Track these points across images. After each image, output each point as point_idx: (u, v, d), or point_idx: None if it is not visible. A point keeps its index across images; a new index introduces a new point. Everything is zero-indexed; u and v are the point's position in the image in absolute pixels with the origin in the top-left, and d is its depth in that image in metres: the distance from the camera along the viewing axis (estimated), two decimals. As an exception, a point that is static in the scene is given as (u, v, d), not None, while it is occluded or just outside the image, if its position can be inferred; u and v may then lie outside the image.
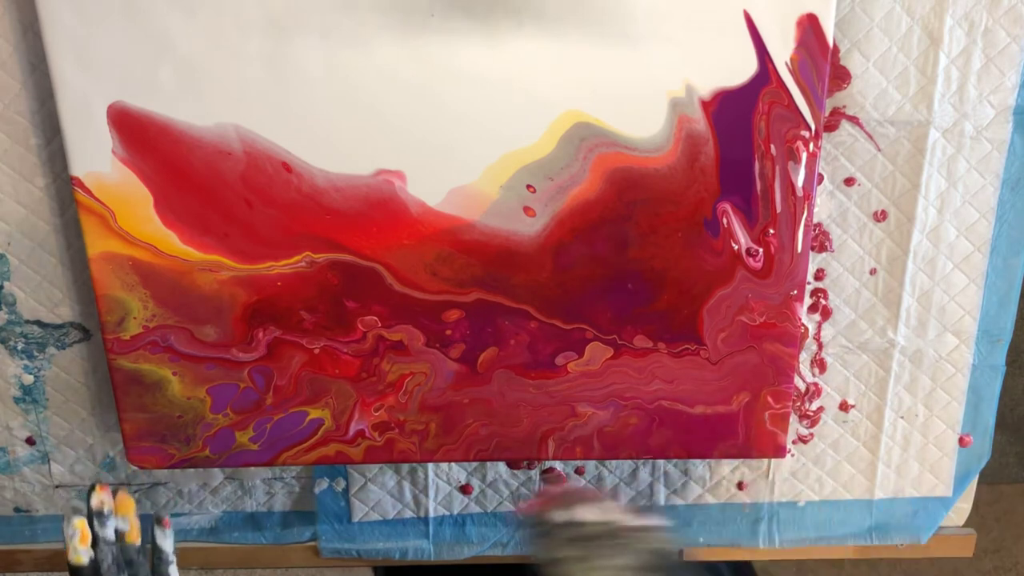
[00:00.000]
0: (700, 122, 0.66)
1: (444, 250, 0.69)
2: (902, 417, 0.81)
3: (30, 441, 0.79)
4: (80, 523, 0.60)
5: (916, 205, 0.74)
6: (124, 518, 0.62)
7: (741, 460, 0.82)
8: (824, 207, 0.74)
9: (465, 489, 0.83)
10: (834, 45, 0.68)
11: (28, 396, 0.78)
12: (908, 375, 0.80)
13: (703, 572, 0.89)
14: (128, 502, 0.63)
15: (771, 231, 0.70)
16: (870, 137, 0.71)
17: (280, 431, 0.75)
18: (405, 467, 0.82)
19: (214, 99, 0.64)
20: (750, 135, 0.67)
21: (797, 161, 0.68)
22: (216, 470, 0.81)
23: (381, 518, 0.84)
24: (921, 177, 0.73)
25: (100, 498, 0.62)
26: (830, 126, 0.71)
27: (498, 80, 0.65)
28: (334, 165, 0.66)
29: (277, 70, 0.64)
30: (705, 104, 0.66)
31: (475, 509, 0.84)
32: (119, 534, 0.62)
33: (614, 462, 0.82)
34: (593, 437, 0.77)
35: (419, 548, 0.85)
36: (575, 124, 0.66)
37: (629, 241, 0.69)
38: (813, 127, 0.67)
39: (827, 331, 0.78)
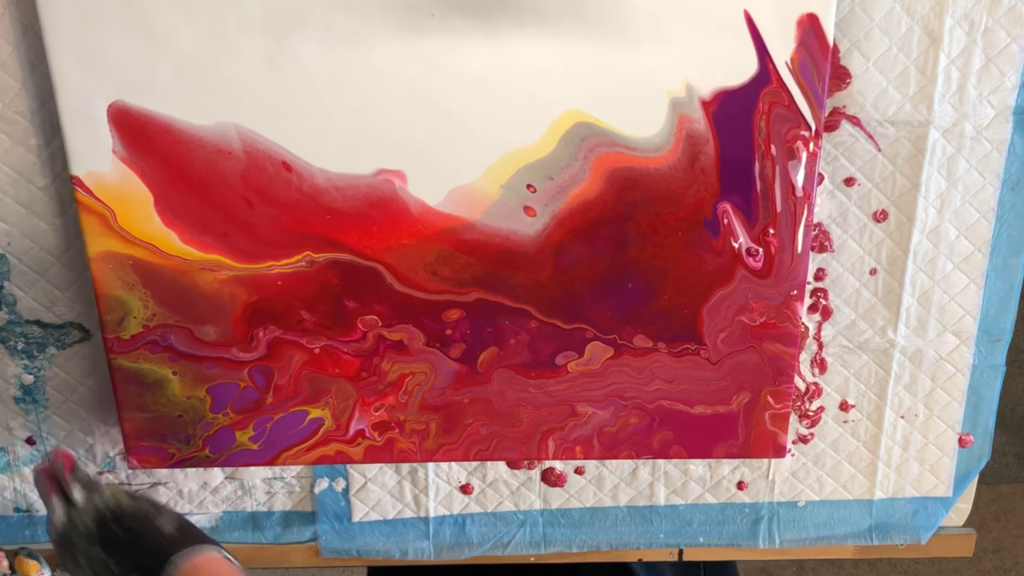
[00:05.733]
0: (700, 122, 0.66)
1: (444, 250, 0.69)
2: (902, 417, 0.81)
3: (30, 441, 0.79)
4: None
5: (916, 205, 0.73)
6: None
7: (741, 460, 0.82)
8: (824, 207, 0.74)
9: (465, 489, 0.83)
10: (834, 45, 0.67)
11: (28, 396, 0.77)
12: (908, 375, 0.80)
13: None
14: (28, 565, 0.64)
15: (771, 231, 0.70)
16: (870, 137, 0.71)
17: (280, 431, 0.75)
18: (405, 467, 0.82)
19: (214, 99, 0.64)
20: (750, 135, 0.67)
21: (797, 161, 0.68)
22: (216, 470, 0.81)
23: (381, 518, 0.84)
24: (921, 177, 0.73)
25: None
26: (830, 126, 0.71)
27: (498, 80, 0.65)
28: (334, 165, 0.66)
29: (277, 70, 0.64)
30: (705, 104, 0.66)
31: (475, 509, 0.84)
32: None
33: (614, 462, 0.82)
34: (593, 437, 0.77)
35: (419, 548, 0.85)
36: (575, 124, 0.66)
37: (629, 241, 0.69)
38: (813, 127, 0.67)
39: (827, 331, 0.78)
